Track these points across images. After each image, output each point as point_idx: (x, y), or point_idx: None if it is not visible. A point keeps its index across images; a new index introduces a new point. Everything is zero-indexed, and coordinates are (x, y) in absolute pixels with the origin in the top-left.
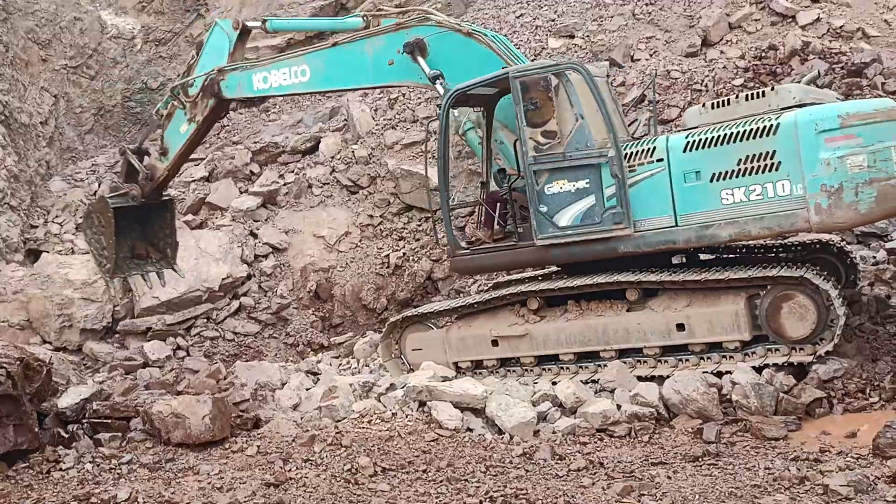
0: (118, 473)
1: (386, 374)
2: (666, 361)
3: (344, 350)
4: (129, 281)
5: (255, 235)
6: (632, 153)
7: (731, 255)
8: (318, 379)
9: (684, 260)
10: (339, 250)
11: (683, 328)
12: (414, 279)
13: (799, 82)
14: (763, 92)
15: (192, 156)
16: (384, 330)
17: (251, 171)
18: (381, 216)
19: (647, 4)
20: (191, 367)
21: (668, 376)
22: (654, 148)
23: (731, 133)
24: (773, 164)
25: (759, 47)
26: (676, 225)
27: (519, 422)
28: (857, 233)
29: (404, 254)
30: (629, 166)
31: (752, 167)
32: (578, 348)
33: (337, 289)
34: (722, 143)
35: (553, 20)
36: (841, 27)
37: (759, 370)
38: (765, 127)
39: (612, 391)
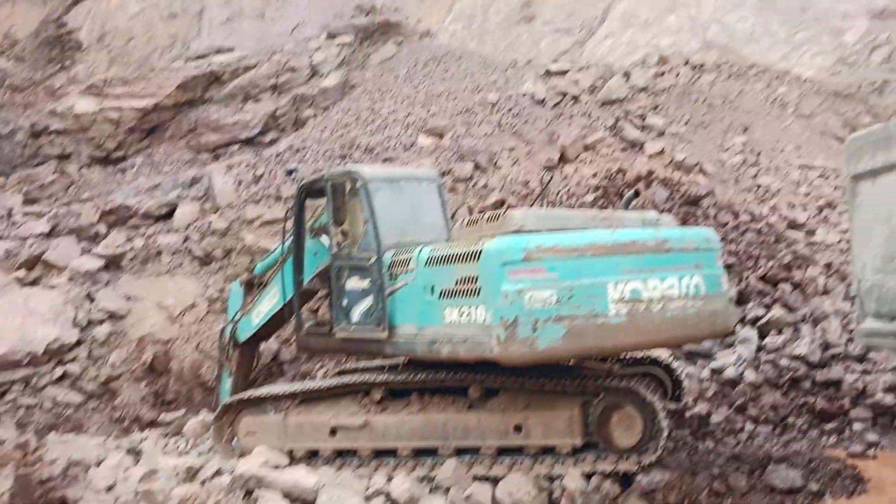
0: None
1: (215, 458)
2: (502, 462)
3: (174, 428)
4: None
5: (92, 299)
6: (398, 261)
7: (568, 363)
8: (140, 459)
9: None
10: (183, 322)
11: (520, 430)
12: (259, 359)
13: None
14: (499, 216)
15: (33, 209)
16: (218, 410)
17: (97, 232)
18: None
19: (513, 117)
20: None
21: (502, 477)
22: (410, 258)
23: (454, 253)
24: (476, 289)
25: (610, 169)
26: (417, 335)
27: None
28: (684, 350)
29: None
30: (395, 273)
31: (464, 289)
32: (417, 443)
33: (175, 362)
34: (448, 263)
35: (424, 119)
36: (682, 160)
37: (588, 476)
38: (473, 252)
39: (447, 489)
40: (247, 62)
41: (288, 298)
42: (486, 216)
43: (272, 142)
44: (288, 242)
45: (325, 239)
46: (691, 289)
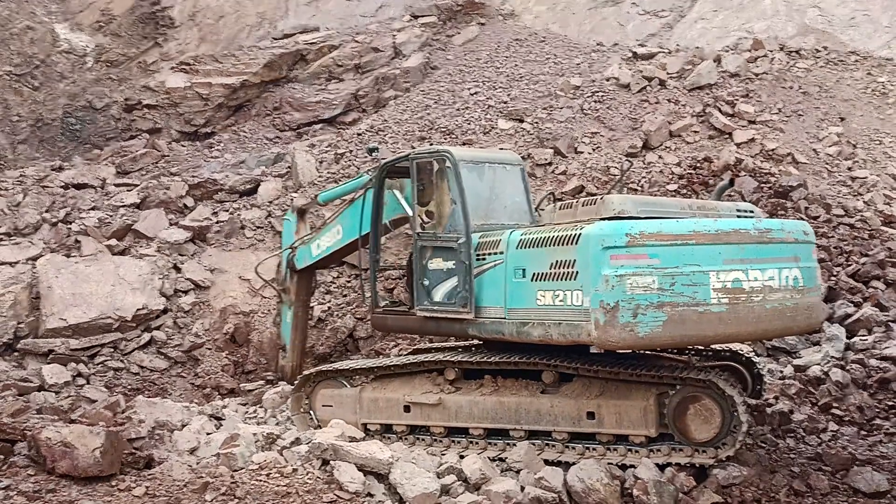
0: None
1: (292, 428)
2: (573, 448)
3: (252, 398)
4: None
5: (178, 269)
6: (485, 242)
7: (646, 351)
8: (221, 424)
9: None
10: (264, 296)
11: (593, 417)
12: (336, 335)
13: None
14: (595, 200)
15: (125, 180)
16: (296, 382)
17: (184, 205)
18: None
19: (595, 102)
20: (89, 396)
21: (574, 463)
22: (500, 241)
23: (549, 237)
24: (573, 272)
25: (696, 157)
26: (505, 318)
27: (421, 492)
28: (767, 346)
29: (329, 308)
30: (482, 254)
31: (560, 273)
32: (489, 424)
33: (255, 334)
34: (542, 245)
35: (505, 102)
36: (773, 150)
37: (662, 468)
38: (571, 235)
39: (518, 472)
40: (331, 42)
41: (350, 240)
42: (582, 200)
43: (353, 122)
44: (356, 182)
45: (396, 193)
46: (790, 281)
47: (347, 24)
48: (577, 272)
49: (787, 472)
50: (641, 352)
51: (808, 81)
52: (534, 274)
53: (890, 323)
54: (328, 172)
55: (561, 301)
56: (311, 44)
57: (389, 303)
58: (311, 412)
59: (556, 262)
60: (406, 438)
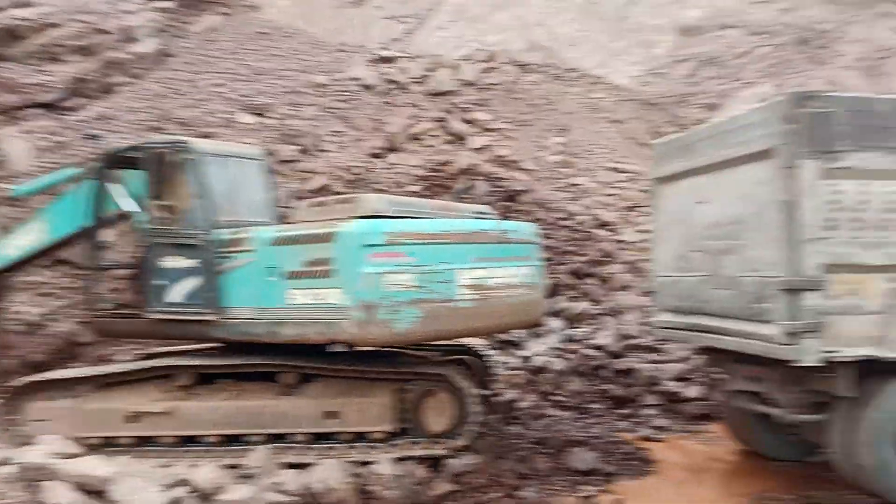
0: None
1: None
2: (316, 449)
3: None
4: None
5: None
6: (232, 240)
7: (387, 349)
8: None
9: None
10: None
11: (335, 416)
12: (53, 341)
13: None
14: (351, 198)
15: None
16: (4, 395)
17: None
18: None
19: (340, 101)
20: None
21: (316, 464)
22: (249, 238)
23: (305, 234)
24: (330, 270)
25: (435, 160)
26: (255, 318)
27: None
28: (498, 339)
29: (47, 311)
30: (228, 252)
31: (315, 271)
32: (228, 430)
33: None
34: (296, 243)
35: (248, 96)
36: (504, 156)
37: (402, 461)
38: (327, 233)
39: (256, 478)
40: (51, 20)
41: (58, 239)
42: (336, 199)
43: (77, 108)
44: (61, 175)
45: (115, 186)
46: (524, 278)
47: (72, 2)
48: (335, 270)
49: (513, 456)
50: (382, 349)
51: (536, 94)
52: (288, 272)
53: (601, 315)
54: (48, 162)
55: (317, 299)
56: (26, 20)
57: (115, 305)
58: (23, 428)
59: (312, 260)
60: (134, 451)
